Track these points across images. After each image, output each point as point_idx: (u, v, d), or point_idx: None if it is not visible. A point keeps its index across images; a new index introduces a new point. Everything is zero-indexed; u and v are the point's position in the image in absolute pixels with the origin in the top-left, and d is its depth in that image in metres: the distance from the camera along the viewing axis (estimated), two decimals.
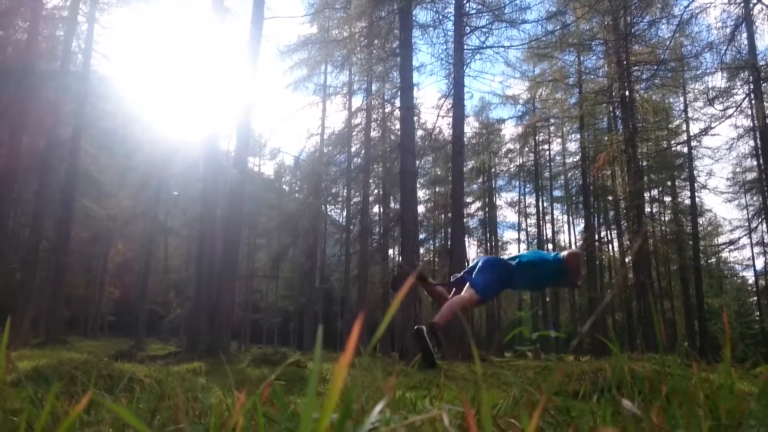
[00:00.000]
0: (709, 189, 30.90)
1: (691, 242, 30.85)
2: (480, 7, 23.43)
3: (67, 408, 1.13)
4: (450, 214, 26.59)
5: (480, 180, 42.70)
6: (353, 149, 32.29)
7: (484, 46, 23.59)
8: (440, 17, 23.48)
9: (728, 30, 20.01)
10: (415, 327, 4.22)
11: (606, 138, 26.13)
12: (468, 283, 4.76)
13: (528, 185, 44.07)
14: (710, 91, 22.26)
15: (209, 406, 0.98)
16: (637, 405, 0.70)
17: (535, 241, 43.21)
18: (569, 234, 43.07)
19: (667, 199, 35.59)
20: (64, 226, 23.61)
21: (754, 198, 31.82)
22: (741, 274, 47.05)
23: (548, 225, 43.58)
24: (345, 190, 34.89)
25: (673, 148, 29.45)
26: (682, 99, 29.08)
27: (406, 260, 18.66)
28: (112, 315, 46.18)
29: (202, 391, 7.55)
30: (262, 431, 0.69)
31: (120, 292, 42.08)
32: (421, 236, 36.92)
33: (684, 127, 29.64)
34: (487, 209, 44.12)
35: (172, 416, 1.00)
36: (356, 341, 0.52)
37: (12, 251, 31.99)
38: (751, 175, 31.65)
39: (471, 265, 5.15)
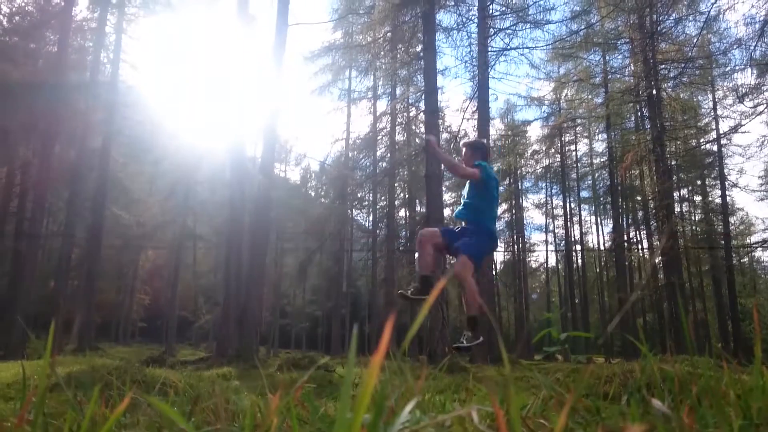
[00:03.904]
0: (740, 187, 30.34)
1: (722, 242, 30.33)
2: (504, 8, 23.32)
3: (104, 411, 1.16)
4: None
5: (506, 182, 42.43)
6: (378, 153, 32.35)
7: (509, 47, 23.47)
8: (464, 20, 23.39)
9: (757, 26, 19.63)
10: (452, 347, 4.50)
11: (633, 137, 25.82)
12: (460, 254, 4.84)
13: (555, 186, 43.72)
14: (740, 88, 21.90)
15: (242, 408, 1.00)
16: (667, 405, 0.70)
17: (563, 242, 42.83)
18: (597, 235, 42.70)
19: (698, 198, 35.07)
20: (94, 234, 23.99)
21: None
22: None
23: (576, 226, 43.22)
24: (371, 195, 34.98)
25: (702, 147, 29.03)
26: (710, 96, 28.65)
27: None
28: (143, 321, 46.79)
29: (235, 394, 7.62)
30: (296, 431, 0.70)
31: (150, 299, 42.65)
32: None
33: (713, 125, 29.21)
34: (513, 211, 43.82)
35: (206, 418, 1.02)
36: (387, 343, 0.54)
37: (45, 259, 32.63)
38: None
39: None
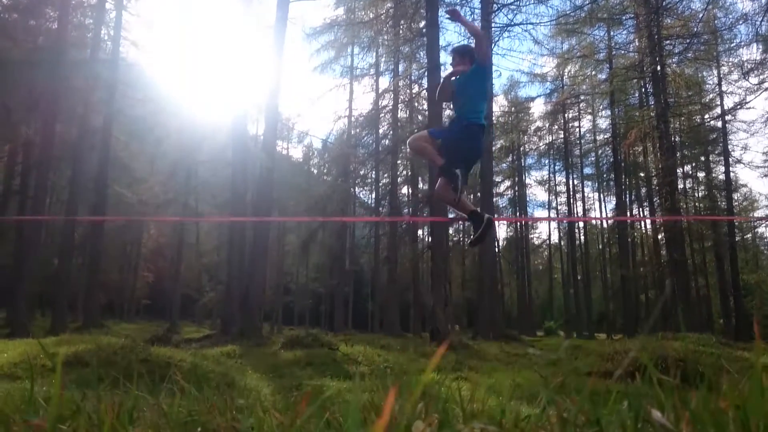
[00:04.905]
0: (744, 163, 30.20)
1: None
2: None
3: (111, 405, 1.17)
4: (479, 194, 26.50)
5: (509, 159, 42.34)
6: (381, 131, 32.22)
7: (512, 23, 23.28)
8: None
9: (764, 0, 19.40)
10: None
11: (637, 114, 25.70)
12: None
13: (558, 163, 43.59)
14: (745, 64, 21.69)
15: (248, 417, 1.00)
16: (666, 416, 0.71)
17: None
18: (600, 211, 42.61)
19: (701, 174, 34.97)
20: (97, 213, 24.04)
21: None
22: None
23: (579, 203, 43.16)
24: (373, 172, 34.90)
25: (706, 123, 28.86)
26: (715, 72, 28.39)
27: (436, 241, 18.71)
28: (147, 299, 47.04)
29: (239, 374, 7.72)
30: None
31: (154, 277, 42.80)
32: (450, 216, 36.75)
33: (718, 101, 28.98)
34: (516, 188, 43.82)
35: (211, 419, 1.03)
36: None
37: (49, 239, 32.74)
38: None
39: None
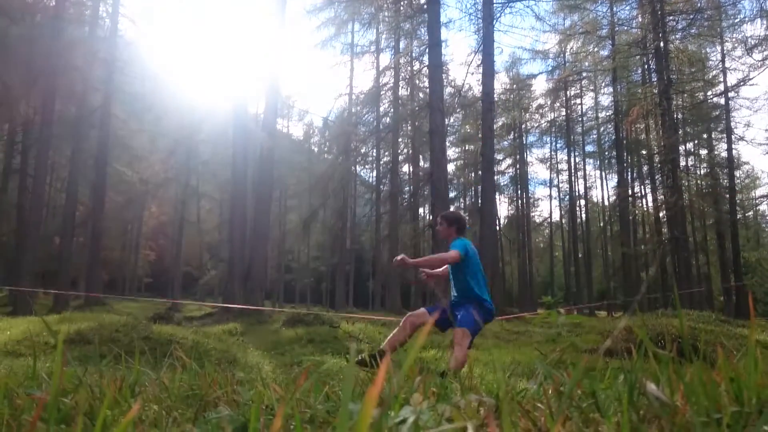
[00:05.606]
0: (746, 141, 29.99)
1: (727, 196, 30.27)
2: None
3: (113, 379, 1.18)
4: (480, 172, 26.46)
5: (510, 137, 42.19)
6: (382, 109, 32.10)
7: None
8: None
9: None
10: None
11: (640, 90, 25.52)
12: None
13: (559, 141, 43.45)
14: (749, 40, 21.53)
15: (248, 399, 1.00)
16: (661, 389, 0.71)
17: (567, 197, 42.79)
18: (602, 189, 42.62)
19: (703, 152, 34.87)
20: (98, 191, 24.06)
21: None
22: None
23: (580, 181, 43.08)
24: (374, 150, 34.84)
25: (709, 100, 28.70)
26: (719, 49, 28.11)
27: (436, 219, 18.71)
28: (149, 277, 47.27)
29: (241, 351, 7.79)
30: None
31: (155, 255, 42.95)
32: (451, 195, 36.70)
33: (721, 77, 28.79)
34: (517, 166, 43.69)
35: (211, 395, 1.04)
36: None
37: (50, 217, 32.80)
38: None
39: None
